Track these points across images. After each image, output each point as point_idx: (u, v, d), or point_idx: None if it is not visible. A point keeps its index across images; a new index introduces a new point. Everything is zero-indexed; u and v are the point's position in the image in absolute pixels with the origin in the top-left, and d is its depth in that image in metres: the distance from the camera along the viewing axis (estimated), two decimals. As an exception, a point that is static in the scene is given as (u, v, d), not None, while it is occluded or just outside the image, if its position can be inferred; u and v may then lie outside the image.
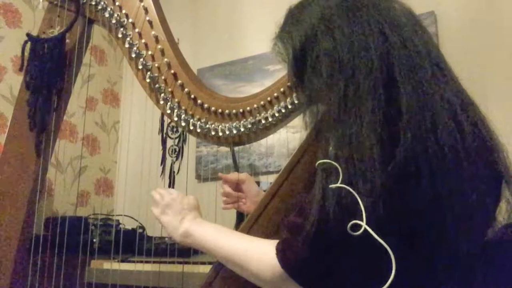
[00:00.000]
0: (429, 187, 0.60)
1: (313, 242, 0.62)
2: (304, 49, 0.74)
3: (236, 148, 1.11)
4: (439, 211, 0.61)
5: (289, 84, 0.96)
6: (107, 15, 1.10)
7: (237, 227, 1.38)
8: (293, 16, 0.80)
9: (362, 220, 0.58)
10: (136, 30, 1.09)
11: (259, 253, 0.70)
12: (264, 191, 1.10)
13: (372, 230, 0.58)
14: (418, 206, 0.60)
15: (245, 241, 0.76)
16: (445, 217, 0.61)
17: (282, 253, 0.66)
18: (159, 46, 1.07)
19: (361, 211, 0.58)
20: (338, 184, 0.60)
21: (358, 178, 0.60)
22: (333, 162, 0.62)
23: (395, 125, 0.62)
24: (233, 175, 1.14)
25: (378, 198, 0.58)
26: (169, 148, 1.25)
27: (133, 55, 1.07)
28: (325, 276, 0.64)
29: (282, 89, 0.98)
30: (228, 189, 1.14)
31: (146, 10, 1.09)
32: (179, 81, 1.05)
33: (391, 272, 0.57)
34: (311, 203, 0.63)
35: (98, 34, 1.74)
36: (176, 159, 1.25)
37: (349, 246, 0.60)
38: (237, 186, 1.14)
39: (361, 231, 0.58)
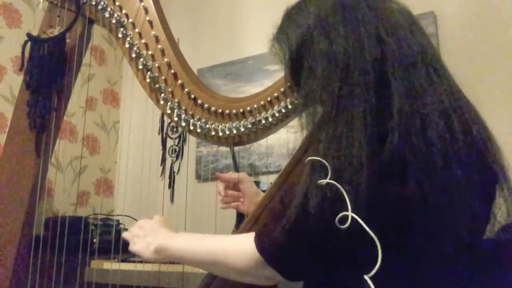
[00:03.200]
0: (416, 188, 0.60)
1: (292, 229, 0.63)
2: (301, 50, 0.74)
3: (236, 148, 1.11)
4: (426, 212, 0.61)
5: (288, 84, 0.96)
6: (107, 15, 1.10)
7: (237, 227, 1.38)
8: (290, 17, 0.80)
9: (346, 216, 0.59)
10: (136, 30, 1.09)
11: (237, 243, 0.71)
12: (264, 191, 1.10)
13: (355, 227, 0.58)
14: (403, 206, 0.61)
15: (220, 238, 0.76)
16: (431, 217, 0.61)
17: (260, 238, 0.67)
18: (159, 46, 1.07)
19: (346, 205, 0.59)
20: (327, 180, 0.61)
21: (344, 177, 0.60)
22: (322, 159, 0.63)
23: (386, 126, 0.63)
24: (231, 175, 1.14)
25: (362, 198, 0.59)
26: (169, 148, 1.25)
27: (133, 55, 1.07)
28: (303, 265, 0.65)
29: (282, 89, 0.98)
30: (221, 188, 1.13)
31: (146, 10, 1.09)
32: (179, 81, 1.05)
33: (372, 264, 0.58)
34: (295, 193, 0.64)
35: (98, 34, 1.74)
36: (176, 159, 1.25)
37: (329, 237, 0.61)
38: (235, 186, 1.14)
39: (348, 223, 0.58)
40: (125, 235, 0.91)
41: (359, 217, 0.58)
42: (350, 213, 0.58)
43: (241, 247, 0.69)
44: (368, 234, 0.58)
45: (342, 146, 0.62)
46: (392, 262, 0.58)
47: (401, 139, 0.61)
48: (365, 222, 0.58)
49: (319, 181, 0.61)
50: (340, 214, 0.59)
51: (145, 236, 0.85)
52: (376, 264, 0.57)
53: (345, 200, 0.59)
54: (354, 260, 0.61)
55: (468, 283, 0.65)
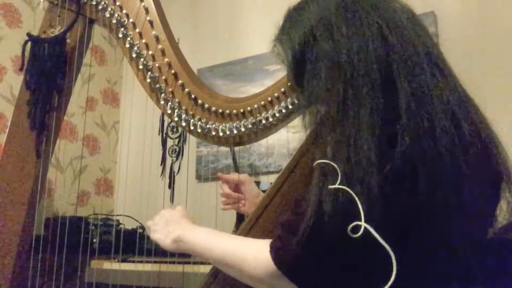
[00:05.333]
0: (426, 189, 0.60)
1: (308, 241, 0.62)
2: (303, 51, 0.74)
3: (236, 148, 1.10)
4: (436, 213, 0.61)
5: (289, 84, 0.96)
6: (107, 15, 1.10)
7: (237, 227, 1.38)
8: (292, 18, 0.80)
9: (360, 221, 0.58)
10: (137, 30, 1.09)
11: (253, 252, 0.70)
12: (264, 191, 1.10)
13: (369, 234, 0.58)
14: (415, 208, 0.60)
15: (237, 242, 0.76)
16: (442, 219, 0.61)
17: (276, 251, 0.66)
18: (159, 46, 1.07)
19: (359, 212, 0.58)
20: (337, 185, 0.60)
21: (355, 181, 0.60)
22: (332, 163, 0.62)
23: (393, 127, 0.62)
24: (233, 176, 1.14)
25: (374, 200, 0.59)
26: (169, 148, 1.24)
27: (134, 55, 1.07)
28: (320, 276, 0.64)
29: (282, 89, 0.98)
30: (227, 189, 1.14)
31: (146, 10, 1.09)
32: (180, 81, 1.05)
33: (388, 274, 0.57)
34: (307, 202, 0.63)
35: (98, 34, 1.74)
36: (176, 159, 1.25)
37: (345, 246, 0.60)
38: (236, 187, 1.14)
39: (361, 232, 0.58)
40: (148, 223, 0.92)
41: (372, 220, 0.58)
42: (363, 223, 0.58)
43: (259, 257, 0.68)
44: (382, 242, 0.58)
45: (351, 148, 0.61)
46: (403, 265, 0.58)
47: (410, 140, 0.61)
48: (378, 226, 0.58)
49: (329, 186, 0.61)
50: (352, 224, 0.58)
51: (166, 226, 0.86)
52: (391, 273, 0.57)
53: (358, 205, 0.58)
54: (369, 269, 0.61)
55: (477, 284, 0.65)
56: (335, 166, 0.61)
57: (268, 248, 0.67)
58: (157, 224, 0.88)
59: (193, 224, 0.86)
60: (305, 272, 0.65)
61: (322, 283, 0.65)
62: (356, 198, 0.59)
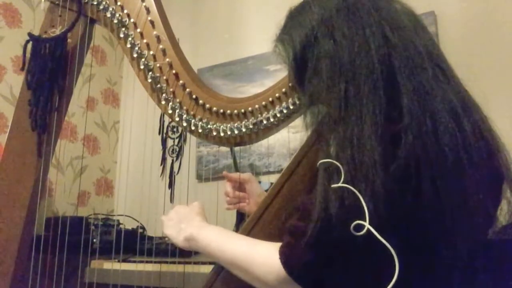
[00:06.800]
0: (430, 188, 0.60)
1: (316, 244, 0.63)
2: (305, 51, 0.74)
3: (236, 148, 1.11)
4: (440, 212, 0.61)
5: (290, 84, 0.96)
6: (108, 15, 1.10)
7: (237, 227, 1.39)
8: (293, 18, 0.80)
9: (365, 221, 0.58)
10: (138, 30, 1.08)
11: (263, 257, 0.70)
12: (265, 191, 1.10)
13: (373, 234, 0.58)
14: (419, 207, 0.61)
15: (248, 244, 0.76)
16: (446, 218, 0.62)
17: (285, 257, 0.66)
18: (160, 46, 1.07)
19: (364, 211, 0.58)
20: (340, 184, 0.60)
21: (359, 179, 0.60)
22: (335, 162, 0.62)
23: (396, 126, 0.62)
24: (236, 175, 1.14)
25: (379, 199, 0.59)
26: (169, 148, 1.25)
27: (135, 55, 1.07)
28: (329, 279, 0.65)
29: (283, 90, 0.98)
30: (230, 188, 1.14)
31: (147, 10, 1.09)
32: (181, 81, 1.05)
33: (394, 273, 0.57)
34: (313, 205, 0.63)
35: (98, 34, 1.74)
36: (176, 159, 1.25)
37: (352, 247, 0.60)
38: (240, 186, 1.14)
39: (364, 231, 0.58)
40: (162, 217, 0.92)
41: (377, 219, 0.58)
42: (367, 224, 0.58)
43: (269, 263, 0.68)
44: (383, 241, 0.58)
45: (354, 148, 0.62)
46: (406, 264, 0.58)
47: (414, 139, 0.61)
48: (383, 225, 0.58)
49: (333, 186, 0.61)
50: (354, 223, 0.59)
51: (179, 222, 0.86)
52: (393, 274, 0.57)
53: (362, 204, 0.59)
54: (376, 268, 0.61)
55: (477, 284, 0.65)
56: (339, 165, 0.62)
57: (277, 255, 0.67)
58: (171, 220, 0.88)
59: (206, 223, 0.86)
60: (316, 276, 0.65)
61: (332, 285, 0.65)
62: (360, 197, 0.59)
